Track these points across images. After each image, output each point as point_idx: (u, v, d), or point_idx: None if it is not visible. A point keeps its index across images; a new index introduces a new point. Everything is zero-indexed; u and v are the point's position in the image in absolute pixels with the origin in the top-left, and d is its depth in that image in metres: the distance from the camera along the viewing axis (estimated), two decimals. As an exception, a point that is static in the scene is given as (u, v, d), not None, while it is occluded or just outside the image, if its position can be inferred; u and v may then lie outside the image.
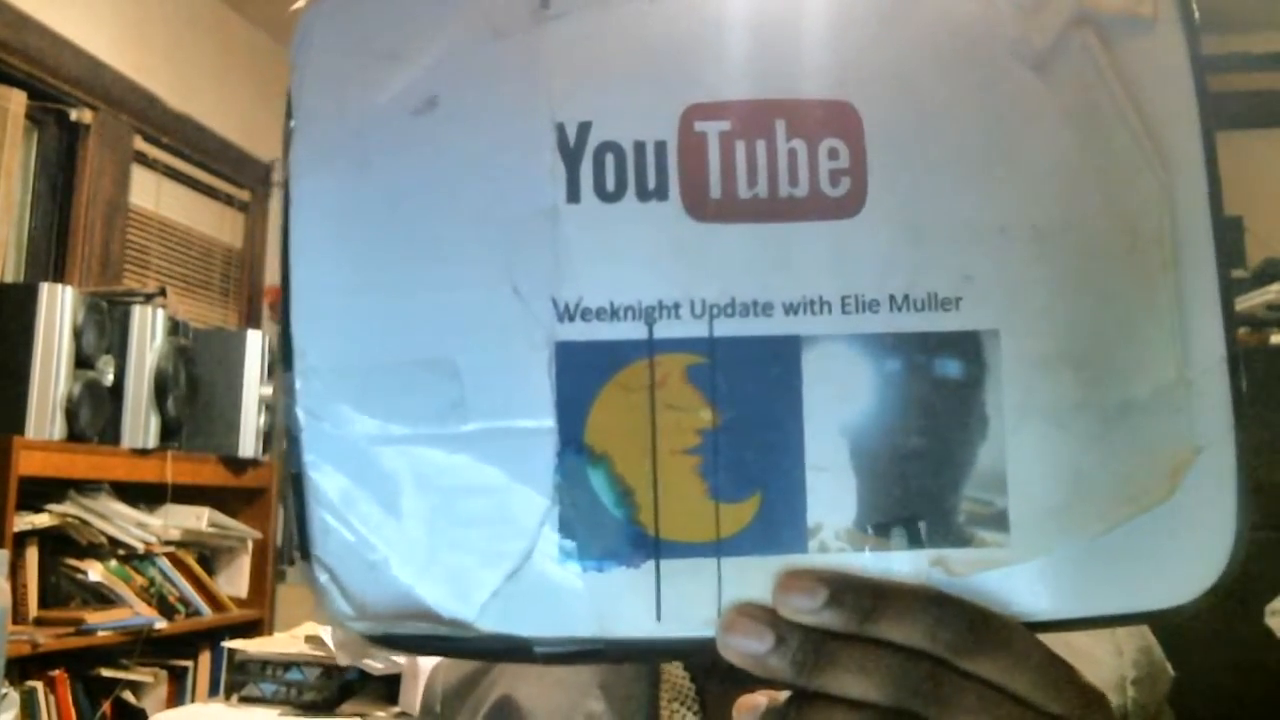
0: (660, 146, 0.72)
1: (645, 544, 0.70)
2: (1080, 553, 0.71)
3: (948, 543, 0.70)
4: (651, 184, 0.72)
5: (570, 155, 0.72)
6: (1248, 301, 5.33)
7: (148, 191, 5.64)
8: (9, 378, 4.11)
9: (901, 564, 0.70)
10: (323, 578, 0.71)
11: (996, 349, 0.71)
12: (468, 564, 0.70)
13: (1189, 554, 0.71)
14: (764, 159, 0.72)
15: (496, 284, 0.71)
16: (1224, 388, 0.72)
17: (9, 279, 4.71)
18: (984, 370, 0.71)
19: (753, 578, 0.70)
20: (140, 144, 5.48)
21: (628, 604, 0.70)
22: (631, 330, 0.71)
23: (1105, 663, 1.03)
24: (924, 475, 0.71)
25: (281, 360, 0.73)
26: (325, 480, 0.71)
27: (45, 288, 4.22)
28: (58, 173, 5.07)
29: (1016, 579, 0.70)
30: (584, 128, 0.72)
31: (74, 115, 5.01)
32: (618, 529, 0.70)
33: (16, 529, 4.02)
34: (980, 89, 0.74)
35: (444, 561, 0.70)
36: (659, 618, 0.70)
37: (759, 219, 0.72)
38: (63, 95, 4.95)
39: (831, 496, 0.70)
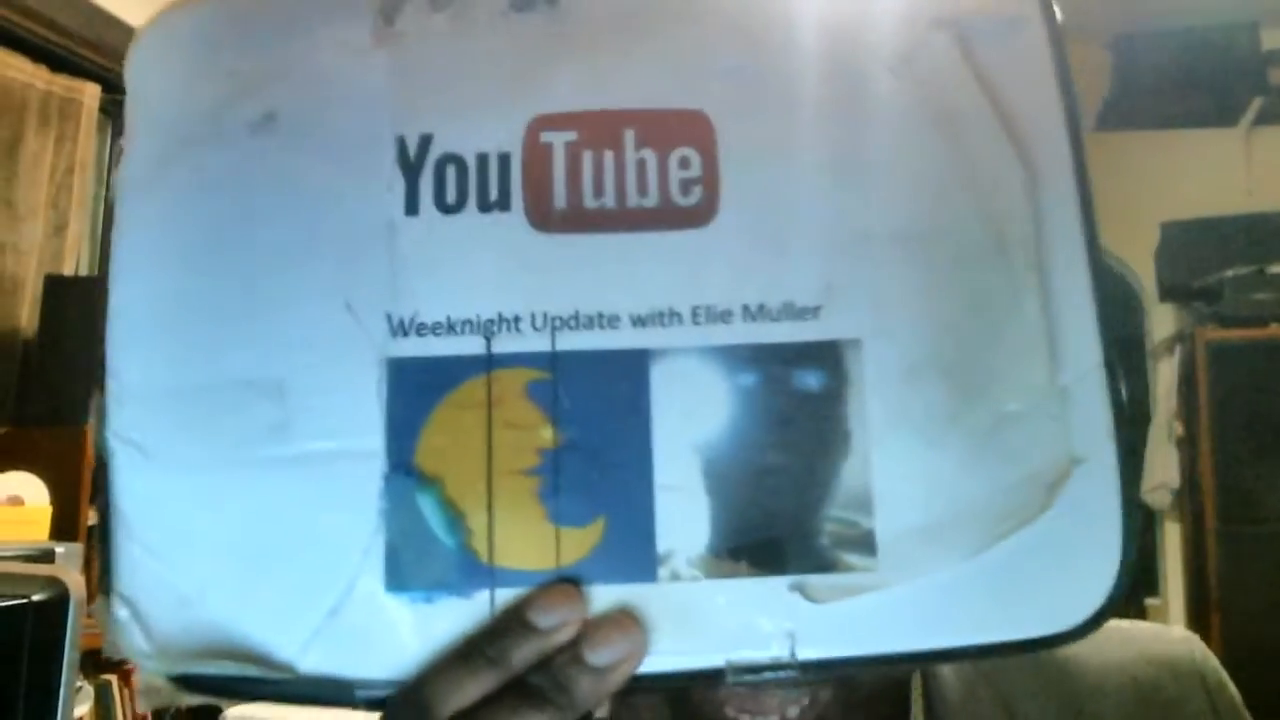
0: (504, 158, 0.71)
1: (479, 572, 0.67)
2: (955, 577, 0.68)
3: (810, 567, 0.67)
4: (494, 195, 0.71)
5: (410, 168, 0.71)
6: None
7: (220, 184, 5.63)
8: (82, 371, 4.13)
9: (759, 590, 0.67)
10: (122, 613, 0.67)
11: (859, 359, 0.69)
12: (289, 598, 0.67)
13: (1072, 576, 0.68)
14: (612, 169, 0.71)
15: (328, 300, 0.70)
16: (1100, 396, 0.70)
17: (83, 272, 4.73)
18: (845, 382, 0.69)
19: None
20: (213, 137, 5.49)
21: (460, 638, 0.66)
22: (468, 345, 0.69)
23: (1200, 712, 0.99)
24: (783, 495, 0.68)
25: (97, 383, 0.69)
26: (135, 509, 0.68)
27: (118, 280, 4.23)
28: (131, 166, 5.08)
29: (886, 607, 0.67)
30: (425, 140, 0.71)
31: (147, 109, 5.03)
32: (449, 557, 0.67)
33: (91, 522, 4.04)
34: (840, 95, 0.73)
35: (263, 595, 0.67)
36: None
37: (606, 229, 0.71)
38: (136, 89, 4.97)
39: (683, 520, 0.68)
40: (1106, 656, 0.98)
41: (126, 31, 4.77)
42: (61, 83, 4.52)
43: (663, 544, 0.67)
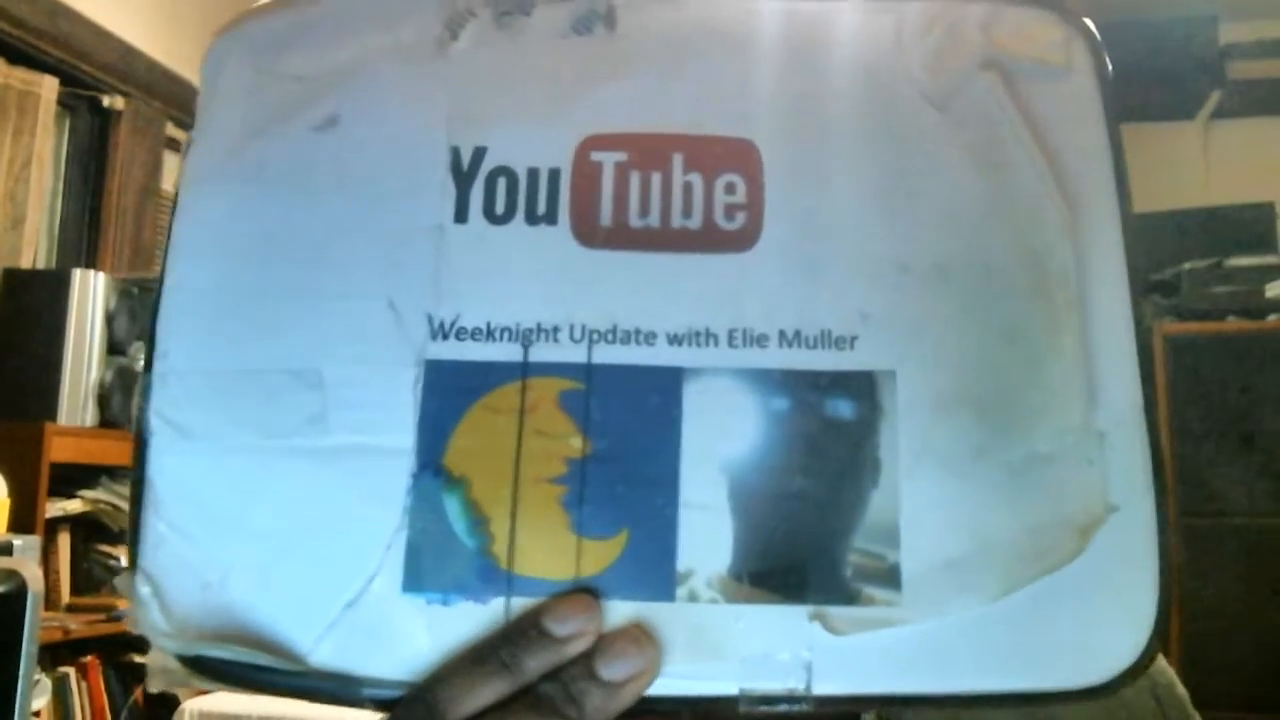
0: (554, 174, 0.72)
1: (497, 578, 0.66)
2: (980, 618, 0.66)
3: (832, 598, 0.66)
4: (541, 209, 0.71)
5: (462, 177, 0.72)
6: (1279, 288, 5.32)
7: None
8: (41, 365, 4.12)
9: (777, 618, 0.66)
10: (145, 590, 0.68)
11: (892, 390, 0.69)
12: (307, 588, 0.67)
13: (1102, 628, 0.67)
14: (658, 190, 0.72)
15: (373, 297, 0.70)
16: (1140, 443, 0.68)
17: (41, 265, 4.72)
18: (878, 412, 0.68)
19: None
20: (172, 130, 5.47)
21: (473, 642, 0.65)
22: (506, 352, 0.69)
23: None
24: (809, 521, 0.67)
25: (145, 361, 0.70)
26: (168, 488, 0.69)
27: (77, 274, 4.22)
28: (90, 159, 5.07)
29: (907, 644, 0.66)
30: (479, 152, 0.72)
31: (106, 101, 5.01)
32: (468, 559, 0.67)
33: (48, 515, 4.03)
34: (885, 128, 0.73)
35: (283, 584, 0.67)
36: None
37: (649, 248, 0.71)
38: (95, 81, 4.95)
39: (706, 539, 0.67)
40: None
41: (86, 25, 4.77)
42: (19, 76, 4.50)
43: (683, 563, 0.66)
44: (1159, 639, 0.67)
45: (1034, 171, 0.72)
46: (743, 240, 0.71)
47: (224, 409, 0.69)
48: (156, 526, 0.69)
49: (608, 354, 0.69)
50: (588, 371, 0.69)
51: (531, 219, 0.71)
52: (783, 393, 0.69)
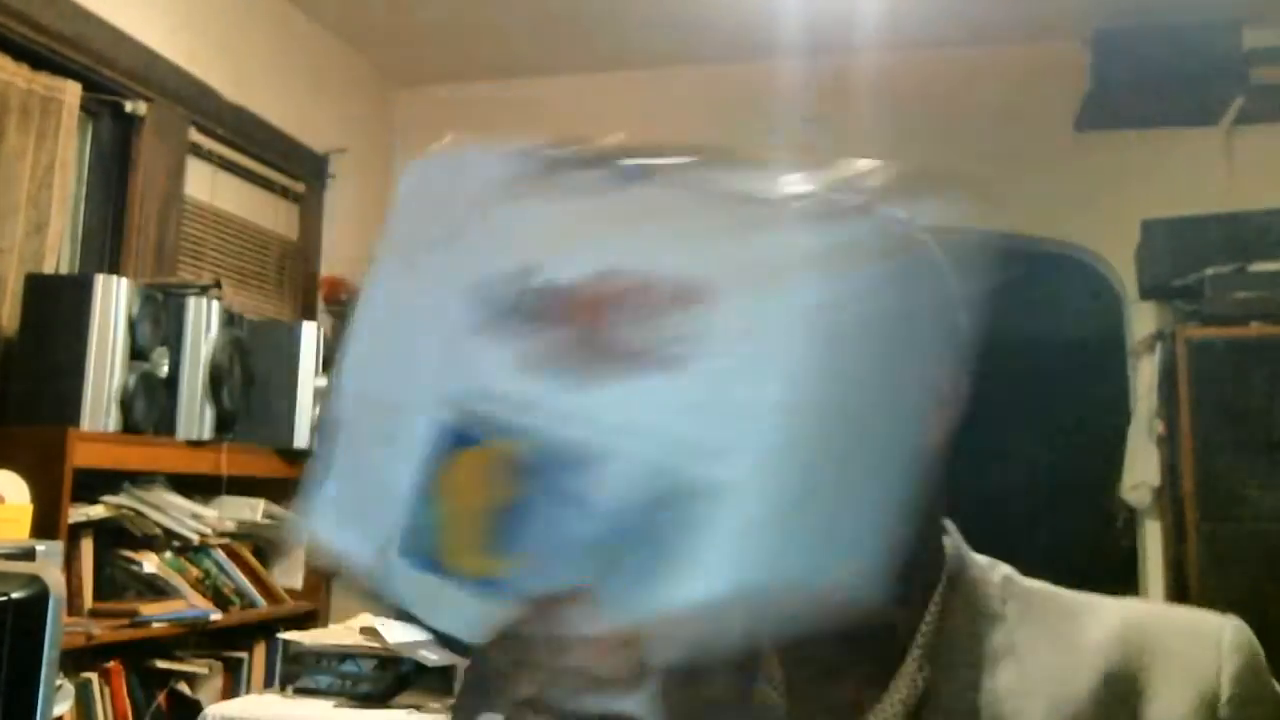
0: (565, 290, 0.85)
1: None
2: None
3: None
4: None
5: (509, 293, 0.88)
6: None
7: (202, 183, 5.65)
8: (64, 370, 4.14)
9: None
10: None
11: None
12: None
13: None
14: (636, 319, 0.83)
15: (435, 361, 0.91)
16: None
17: (64, 270, 4.74)
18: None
19: None
20: (195, 135, 5.49)
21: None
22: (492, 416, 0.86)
23: (1204, 669, 1.02)
24: None
25: (331, 391, 0.98)
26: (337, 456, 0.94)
27: (100, 279, 4.24)
28: (113, 164, 5.09)
29: None
30: (528, 270, 0.87)
31: (129, 107, 5.03)
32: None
33: (72, 520, 4.04)
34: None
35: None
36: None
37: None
38: (118, 87, 4.97)
39: None
40: (1127, 614, 1.06)
41: (108, 30, 4.78)
42: (43, 81, 4.52)
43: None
44: None
45: None
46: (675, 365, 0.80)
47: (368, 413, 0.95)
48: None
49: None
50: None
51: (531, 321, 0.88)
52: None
